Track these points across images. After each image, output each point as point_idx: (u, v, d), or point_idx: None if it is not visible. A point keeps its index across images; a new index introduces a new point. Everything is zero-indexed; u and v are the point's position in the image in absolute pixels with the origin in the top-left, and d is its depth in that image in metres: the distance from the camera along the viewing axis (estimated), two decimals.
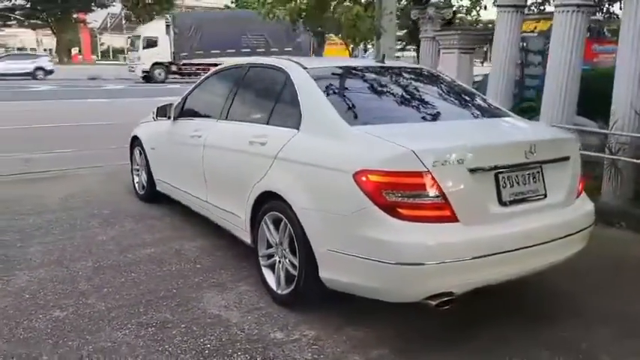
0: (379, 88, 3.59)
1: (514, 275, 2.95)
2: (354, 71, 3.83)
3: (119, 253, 4.21)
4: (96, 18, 53.54)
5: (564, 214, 3.10)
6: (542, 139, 3.15)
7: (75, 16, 41.30)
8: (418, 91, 3.63)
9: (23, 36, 53.18)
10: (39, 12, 37.77)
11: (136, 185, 5.79)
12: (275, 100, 3.63)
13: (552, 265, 3.17)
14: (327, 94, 3.26)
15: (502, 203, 2.85)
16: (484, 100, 3.93)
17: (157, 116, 5.04)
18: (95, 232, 4.71)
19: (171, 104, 4.89)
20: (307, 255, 3.03)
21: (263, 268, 3.50)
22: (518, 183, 2.92)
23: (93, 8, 40.80)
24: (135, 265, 3.97)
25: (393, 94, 3.54)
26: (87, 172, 7.06)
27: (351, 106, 3.21)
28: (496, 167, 2.83)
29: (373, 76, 3.76)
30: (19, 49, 53.95)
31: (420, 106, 3.40)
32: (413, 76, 3.87)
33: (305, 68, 3.53)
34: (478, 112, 3.68)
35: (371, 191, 2.68)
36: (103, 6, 41.45)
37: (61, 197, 5.77)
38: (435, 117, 3.34)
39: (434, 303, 2.70)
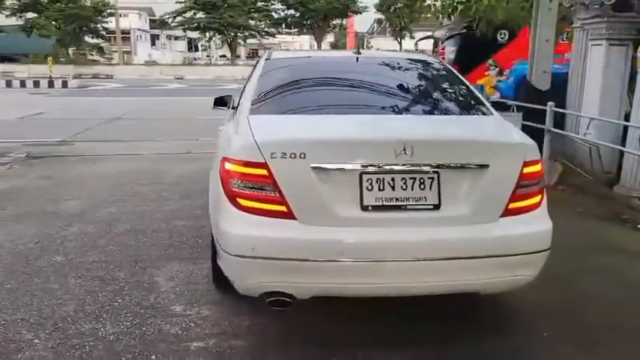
0: (321, 80, 3.39)
1: (380, 292, 2.60)
2: (313, 62, 3.69)
3: (160, 222, 4.83)
4: (364, 24, 58.83)
5: (474, 231, 2.53)
6: (424, 140, 2.59)
7: (334, 22, 45.68)
8: (362, 82, 3.28)
9: (301, 41, 61.40)
10: (304, 20, 43.02)
11: None
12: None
13: (461, 290, 2.66)
14: (260, 83, 3.26)
15: (363, 207, 2.50)
16: (456, 97, 3.36)
17: (214, 106, 5.53)
18: (166, 204, 5.45)
19: (230, 95, 5.33)
20: (212, 239, 3.13)
21: None
22: (392, 187, 2.51)
23: (349, 14, 44.54)
24: (157, 232, 4.54)
25: (329, 85, 3.32)
26: None
27: (269, 95, 3.15)
28: (360, 166, 2.49)
29: (331, 67, 3.58)
30: None
31: (340, 99, 3.13)
32: (376, 67, 3.55)
33: (268, 58, 3.57)
34: (411, 107, 3.19)
35: (223, 179, 2.66)
36: (357, 12, 44.87)
37: (178, 174, 6.76)
38: (342, 110, 3.01)
39: (267, 301, 2.57)
